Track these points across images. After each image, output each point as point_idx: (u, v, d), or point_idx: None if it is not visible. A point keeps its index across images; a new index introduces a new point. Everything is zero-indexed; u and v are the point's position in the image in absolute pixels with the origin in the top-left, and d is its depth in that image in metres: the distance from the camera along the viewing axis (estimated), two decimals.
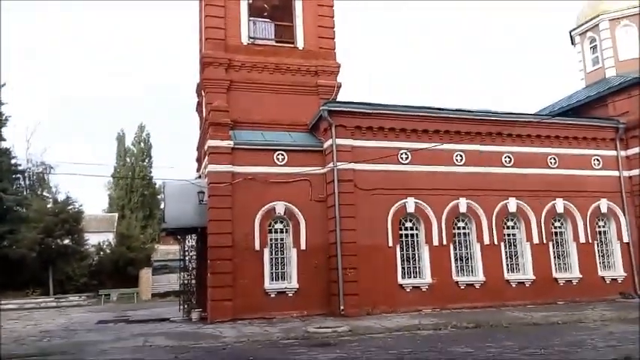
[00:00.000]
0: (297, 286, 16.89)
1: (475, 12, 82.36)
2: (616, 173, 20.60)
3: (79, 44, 77.46)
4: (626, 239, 20.14)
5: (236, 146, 17.17)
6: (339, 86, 19.69)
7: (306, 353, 10.28)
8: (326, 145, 17.85)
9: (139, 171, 52.31)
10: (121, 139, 53.72)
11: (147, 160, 54.25)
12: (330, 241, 17.15)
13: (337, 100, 18.90)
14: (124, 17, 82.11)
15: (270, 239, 17.28)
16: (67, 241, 32.99)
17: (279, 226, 17.56)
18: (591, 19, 25.21)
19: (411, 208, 17.88)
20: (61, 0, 73.21)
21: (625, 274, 19.86)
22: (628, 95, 20.69)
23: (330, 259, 17.08)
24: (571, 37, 26.68)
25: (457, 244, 18.41)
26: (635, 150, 20.58)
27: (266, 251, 16.99)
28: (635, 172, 20.55)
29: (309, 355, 10.03)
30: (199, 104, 22.11)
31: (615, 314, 14.77)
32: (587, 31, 25.60)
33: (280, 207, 17.29)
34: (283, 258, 17.36)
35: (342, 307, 16.16)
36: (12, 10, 70.36)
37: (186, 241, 19.16)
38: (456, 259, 18.18)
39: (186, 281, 19.05)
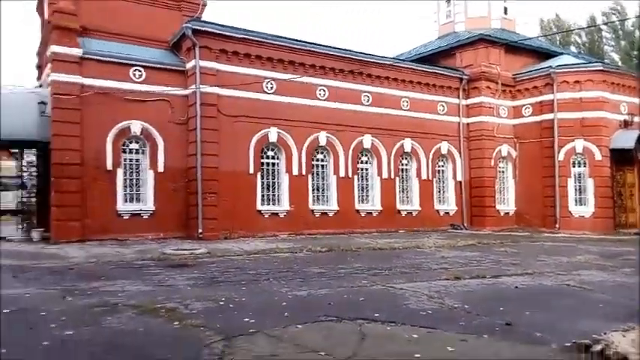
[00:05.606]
0: (153, 208, 16.25)
1: None
2: (456, 119, 22.84)
3: None
4: (459, 178, 22.73)
5: (85, 56, 15.46)
6: (205, 4, 18.56)
7: (163, 273, 10.01)
8: (189, 65, 16.94)
9: None
10: None
11: None
12: (189, 165, 16.65)
13: (202, 19, 17.88)
14: None
15: (125, 160, 16.22)
16: None
17: (134, 146, 16.50)
18: None
19: (273, 138, 18.00)
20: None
21: (456, 208, 22.57)
22: (473, 49, 22.79)
23: (189, 182, 16.65)
24: None
25: (315, 174, 19.13)
26: (474, 100, 22.89)
27: (119, 171, 15.96)
28: (472, 119, 22.97)
29: (167, 275, 9.78)
30: (40, 3, 19.29)
31: (446, 242, 16.75)
32: None
33: (136, 126, 16.19)
34: (139, 180, 16.48)
35: (200, 231, 16.01)
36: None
37: (25, 157, 17.18)
38: (313, 189, 18.94)
39: (25, 199, 17.23)
